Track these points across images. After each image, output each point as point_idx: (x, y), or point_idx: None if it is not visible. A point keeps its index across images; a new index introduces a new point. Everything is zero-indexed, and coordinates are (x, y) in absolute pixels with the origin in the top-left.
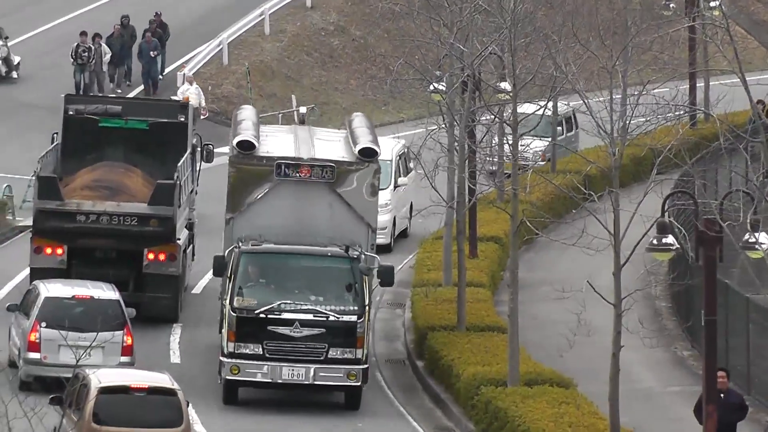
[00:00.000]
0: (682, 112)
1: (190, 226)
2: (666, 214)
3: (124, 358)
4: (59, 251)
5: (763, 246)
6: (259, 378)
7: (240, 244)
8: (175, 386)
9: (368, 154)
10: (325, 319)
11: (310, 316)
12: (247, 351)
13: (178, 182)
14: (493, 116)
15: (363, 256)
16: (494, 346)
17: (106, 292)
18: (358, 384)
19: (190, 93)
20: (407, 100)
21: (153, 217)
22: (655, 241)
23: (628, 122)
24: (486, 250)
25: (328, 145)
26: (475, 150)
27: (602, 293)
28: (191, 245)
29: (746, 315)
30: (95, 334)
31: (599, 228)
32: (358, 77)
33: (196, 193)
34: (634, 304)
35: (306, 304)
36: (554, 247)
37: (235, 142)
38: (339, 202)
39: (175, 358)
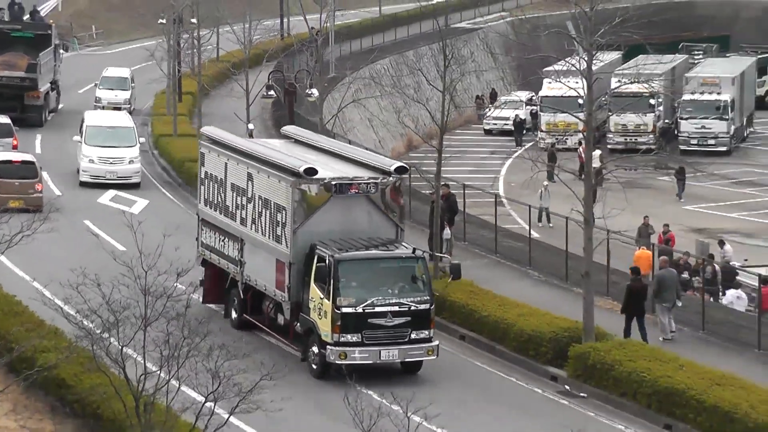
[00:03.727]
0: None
1: (54, 82)
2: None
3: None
4: None
5: (314, 94)
6: (363, 361)
7: (320, 249)
8: (34, 159)
9: (402, 171)
10: (408, 309)
11: (396, 308)
12: (350, 340)
13: (39, 61)
14: None
15: (426, 255)
16: None
17: (3, 118)
18: (435, 357)
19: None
20: None
21: (27, 78)
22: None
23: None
24: None
25: (357, 164)
26: None
27: None
28: (54, 91)
29: None
30: None
31: None
32: None
33: (60, 69)
34: None
35: (392, 299)
36: None
37: (302, 169)
38: (375, 209)
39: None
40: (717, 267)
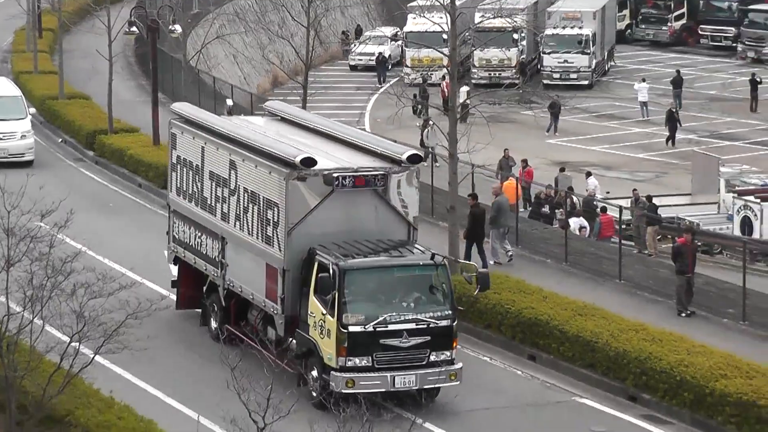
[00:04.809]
0: None
1: None
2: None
3: None
4: None
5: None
6: (374, 389)
7: (321, 256)
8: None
9: (415, 160)
10: (426, 326)
11: (413, 325)
12: (358, 364)
13: None
14: None
15: (446, 261)
16: None
17: None
18: (458, 383)
19: None
20: None
21: None
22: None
23: None
24: None
25: (362, 152)
26: None
27: None
28: None
29: None
30: None
31: None
32: None
33: None
34: None
35: (409, 314)
36: None
37: (298, 159)
38: (383, 205)
39: None
40: (576, 199)
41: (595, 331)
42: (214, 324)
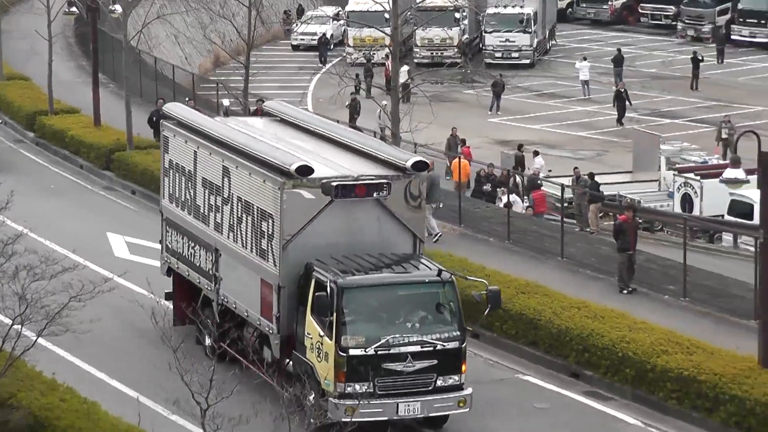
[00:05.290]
0: None
1: None
2: None
3: None
4: None
5: (118, 10)
6: (375, 417)
7: (318, 272)
8: None
9: (421, 167)
10: (433, 348)
11: (418, 348)
12: (359, 390)
13: None
14: None
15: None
16: None
17: None
18: (467, 410)
19: None
20: None
21: None
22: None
23: None
24: None
25: (363, 155)
26: None
27: None
28: None
29: None
30: None
31: None
32: None
33: None
34: None
35: (413, 336)
36: None
37: (293, 168)
38: (386, 215)
39: None
40: (519, 178)
41: (538, 309)
42: (208, 341)
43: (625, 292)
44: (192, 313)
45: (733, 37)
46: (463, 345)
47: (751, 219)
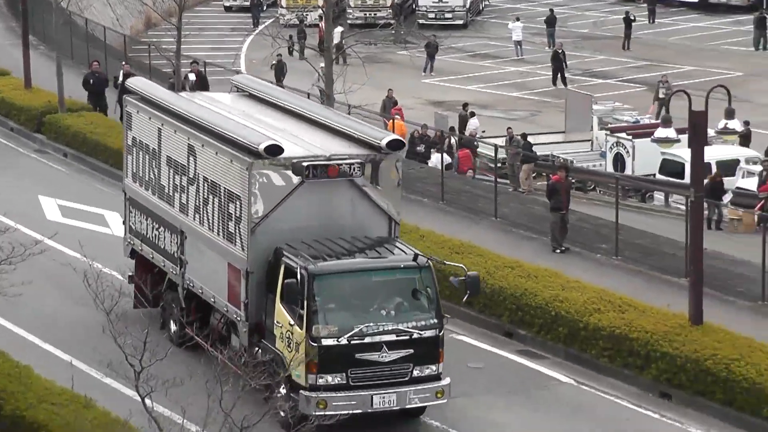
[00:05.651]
0: None
1: None
2: None
3: None
4: None
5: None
6: (349, 410)
7: (288, 258)
8: None
9: (396, 146)
10: (409, 337)
11: (394, 337)
12: (331, 382)
13: None
14: None
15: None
16: None
17: None
18: (445, 401)
19: None
20: None
21: None
22: None
23: None
24: None
25: (335, 133)
26: None
27: None
28: None
29: None
30: None
31: None
32: None
33: None
34: None
35: (388, 324)
36: None
37: (262, 147)
38: (360, 197)
39: None
40: (453, 139)
41: (472, 269)
42: (173, 327)
43: (558, 251)
44: (156, 298)
45: None
46: (441, 333)
47: (683, 178)
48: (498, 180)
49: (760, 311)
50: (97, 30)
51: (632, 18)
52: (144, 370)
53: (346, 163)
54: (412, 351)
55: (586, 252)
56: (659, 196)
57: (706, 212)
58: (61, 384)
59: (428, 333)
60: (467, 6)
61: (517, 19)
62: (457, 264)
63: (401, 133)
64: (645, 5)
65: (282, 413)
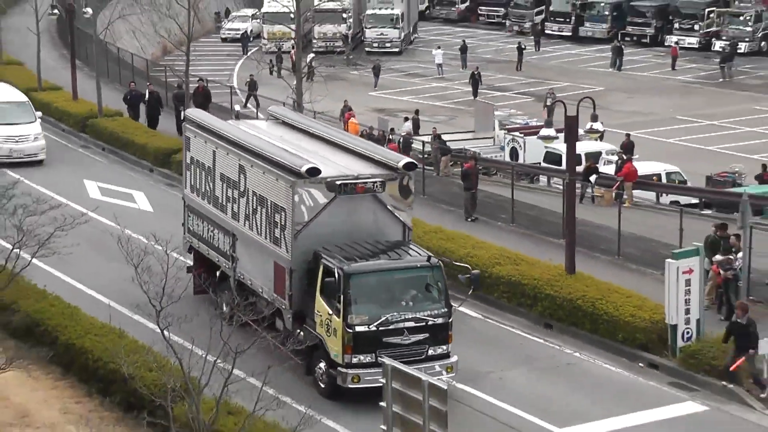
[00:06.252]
0: None
1: None
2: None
3: None
4: None
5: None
6: (378, 383)
7: (326, 260)
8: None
9: (411, 167)
10: (425, 324)
11: (412, 324)
12: (363, 360)
13: None
14: None
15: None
16: None
17: None
18: (454, 375)
19: None
20: None
21: None
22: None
23: None
24: None
25: (359, 156)
26: None
27: None
28: None
29: None
30: None
31: None
32: None
33: None
34: None
35: (408, 313)
36: None
37: (304, 169)
38: (380, 208)
39: None
40: (393, 137)
41: None
42: (225, 309)
43: (469, 220)
44: (212, 286)
45: (546, 31)
46: (450, 320)
47: (560, 165)
48: (425, 167)
49: (616, 264)
50: (125, 56)
51: (523, 47)
52: (163, 309)
53: (371, 182)
54: (427, 335)
55: (490, 221)
56: (543, 179)
57: (579, 190)
58: (102, 320)
59: (440, 320)
60: (402, 38)
61: (439, 47)
62: (463, 264)
63: (354, 131)
64: (532, 37)
65: (322, 385)
